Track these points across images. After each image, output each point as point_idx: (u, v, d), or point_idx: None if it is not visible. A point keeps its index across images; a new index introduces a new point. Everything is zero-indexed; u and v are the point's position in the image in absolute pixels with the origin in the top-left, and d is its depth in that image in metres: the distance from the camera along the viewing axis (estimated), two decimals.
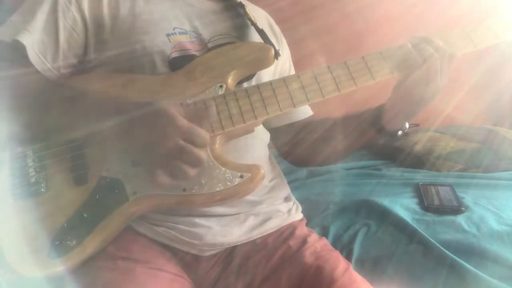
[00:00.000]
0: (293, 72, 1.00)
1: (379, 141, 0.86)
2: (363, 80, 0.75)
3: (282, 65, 0.97)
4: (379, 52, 0.77)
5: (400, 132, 0.84)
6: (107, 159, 0.70)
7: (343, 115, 0.89)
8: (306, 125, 0.96)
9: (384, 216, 1.01)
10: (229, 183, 0.69)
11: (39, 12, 0.73)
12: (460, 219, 0.97)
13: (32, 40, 0.72)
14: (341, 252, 0.86)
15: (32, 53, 0.72)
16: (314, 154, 0.93)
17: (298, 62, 1.10)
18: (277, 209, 0.85)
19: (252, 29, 0.87)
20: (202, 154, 0.63)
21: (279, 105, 0.73)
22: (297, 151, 0.95)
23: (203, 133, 0.63)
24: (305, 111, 0.98)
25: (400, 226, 0.96)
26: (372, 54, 0.77)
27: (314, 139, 0.92)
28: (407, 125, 0.84)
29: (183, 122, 0.62)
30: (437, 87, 0.76)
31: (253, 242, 0.79)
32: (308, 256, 0.75)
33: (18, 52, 0.71)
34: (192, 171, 0.63)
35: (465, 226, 0.94)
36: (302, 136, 0.95)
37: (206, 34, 0.83)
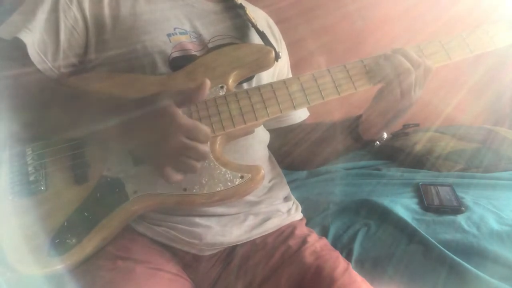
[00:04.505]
0: (290, 76, 1.01)
1: (358, 150, 0.87)
2: (361, 84, 0.76)
3: (281, 68, 0.97)
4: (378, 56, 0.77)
5: (377, 143, 0.85)
6: (108, 158, 0.70)
7: (328, 122, 0.91)
8: (293, 130, 0.97)
9: (384, 216, 1.00)
10: (229, 184, 0.69)
11: (39, 11, 0.73)
12: (460, 219, 0.97)
13: (33, 38, 0.72)
14: (341, 252, 0.86)
15: (33, 52, 0.72)
16: (297, 159, 0.95)
17: (298, 62, 1.10)
18: (277, 209, 0.85)
19: (252, 30, 0.87)
20: (206, 148, 0.64)
21: (280, 107, 0.73)
22: (283, 154, 0.96)
23: (205, 129, 0.63)
24: (300, 115, 0.99)
25: (400, 226, 0.96)
26: (371, 58, 0.77)
27: (298, 145, 0.94)
28: (385, 135, 0.85)
29: (185, 119, 0.62)
30: (411, 101, 0.75)
31: (253, 242, 0.79)
32: (308, 256, 0.75)
33: (18, 50, 0.71)
34: (198, 165, 0.64)
35: (465, 226, 0.94)
36: (288, 140, 0.96)
37: (206, 34, 0.83)
